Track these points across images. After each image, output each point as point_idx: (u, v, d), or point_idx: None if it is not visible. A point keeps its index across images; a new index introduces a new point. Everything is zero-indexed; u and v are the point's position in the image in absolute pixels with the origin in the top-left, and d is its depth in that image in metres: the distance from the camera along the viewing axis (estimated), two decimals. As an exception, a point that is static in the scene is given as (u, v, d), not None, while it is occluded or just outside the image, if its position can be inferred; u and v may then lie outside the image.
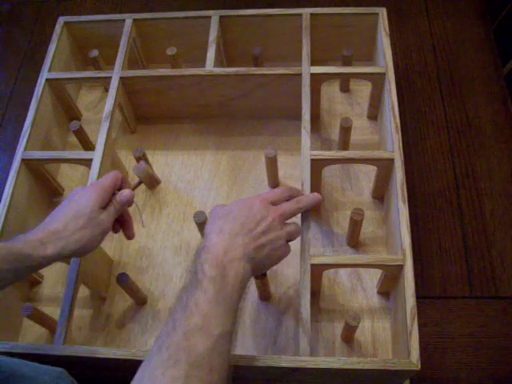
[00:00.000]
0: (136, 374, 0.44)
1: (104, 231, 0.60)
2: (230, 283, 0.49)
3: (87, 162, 0.75)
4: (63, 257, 0.57)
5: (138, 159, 0.78)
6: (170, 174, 0.86)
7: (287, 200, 0.60)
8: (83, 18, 0.91)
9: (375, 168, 0.74)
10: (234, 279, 0.50)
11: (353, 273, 0.74)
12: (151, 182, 0.67)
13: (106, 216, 0.60)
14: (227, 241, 0.52)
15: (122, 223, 0.66)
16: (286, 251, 0.58)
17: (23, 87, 1.03)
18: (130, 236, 0.68)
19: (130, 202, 0.63)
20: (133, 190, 0.65)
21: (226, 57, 0.93)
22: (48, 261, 0.56)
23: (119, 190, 0.64)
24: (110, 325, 0.74)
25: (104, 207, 0.60)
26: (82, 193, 0.60)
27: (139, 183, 0.67)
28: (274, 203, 0.58)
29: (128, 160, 0.87)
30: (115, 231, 0.66)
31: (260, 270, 0.55)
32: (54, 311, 0.72)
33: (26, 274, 0.56)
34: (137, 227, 0.81)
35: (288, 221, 0.59)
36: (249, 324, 0.72)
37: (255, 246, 0.53)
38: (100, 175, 0.73)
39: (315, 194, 0.64)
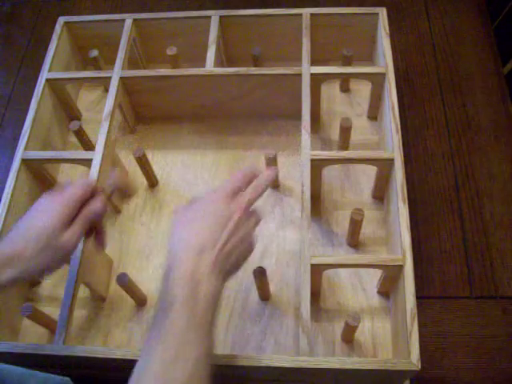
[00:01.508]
0: None
1: (67, 253, 0.55)
2: (202, 304, 0.47)
3: (87, 162, 0.75)
4: (20, 281, 0.53)
5: (137, 159, 0.78)
6: (169, 174, 0.86)
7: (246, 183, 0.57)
8: (83, 18, 0.91)
9: (375, 168, 0.74)
10: (206, 298, 0.47)
11: (353, 273, 0.74)
12: (126, 189, 0.62)
13: (70, 235, 0.55)
14: (195, 259, 0.48)
15: (93, 231, 0.62)
16: (254, 245, 0.55)
17: (23, 87, 1.03)
18: (99, 247, 0.63)
19: (100, 214, 0.58)
20: (108, 197, 0.59)
21: (226, 57, 0.93)
22: (2, 286, 0.52)
23: (93, 196, 0.59)
24: (110, 325, 0.74)
25: (70, 221, 0.55)
26: (44, 207, 0.56)
27: (114, 191, 0.63)
28: (236, 194, 0.54)
29: (128, 160, 0.87)
30: (87, 236, 0.62)
31: (232, 274, 0.53)
32: (54, 311, 0.72)
33: None
34: (136, 226, 0.82)
35: None
36: (249, 324, 0.72)
37: (224, 255, 0.50)
38: (100, 175, 0.73)
39: (269, 171, 0.58)
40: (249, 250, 0.54)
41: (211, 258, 0.49)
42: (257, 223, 0.56)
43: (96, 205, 0.57)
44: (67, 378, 0.57)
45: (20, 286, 0.76)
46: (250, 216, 0.54)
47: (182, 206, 0.54)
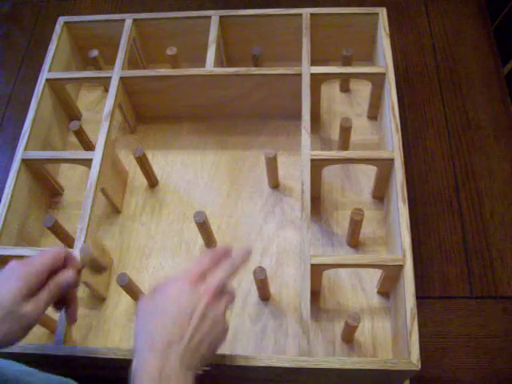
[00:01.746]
0: None
1: (27, 325, 0.50)
2: None
3: (87, 162, 0.75)
4: None
5: (137, 159, 0.78)
6: (169, 174, 0.86)
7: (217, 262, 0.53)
8: (83, 17, 0.91)
9: (375, 168, 0.74)
10: None
11: (353, 273, 0.74)
12: (97, 267, 0.55)
13: (33, 307, 0.50)
14: (161, 356, 0.45)
15: (64, 303, 0.57)
16: (227, 328, 0.51)
17: (23, 87, 1.03)
18: (70, 320, 0.58)
19: (71, 285, 0.53)
20: (79, 270, 0.55)
21: (226, 57, 0.93)
22: None
23: (65, 266, 0.54)
24: (110, 325, 0.74)
25: (34, 293, 0.51)
26: (7, 276, 0.51)
27: (85, 264, 0.56)
28: (204, 276, 0.51)
29: (128, 160, 0.88)
30: (56, 308, 0.57)
31: (206, 362, 0.49)
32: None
33: None
34: (136, 226, 0.82)
35: None
36: (249, 324, 0.72)
37: (193, 347, 0.47)
38: (100, 175, 0.74)
39: (243, 249, 0.54)
40: (221, 334, 0.50)
41: (179, 353, 0.46)
42: (229, 303, 0.52)
43: (67, 275, 0.53)
44: (69, 379, 0.57)
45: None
46: (220, 298, 0.51)
47: (145, 295, 0.51)
